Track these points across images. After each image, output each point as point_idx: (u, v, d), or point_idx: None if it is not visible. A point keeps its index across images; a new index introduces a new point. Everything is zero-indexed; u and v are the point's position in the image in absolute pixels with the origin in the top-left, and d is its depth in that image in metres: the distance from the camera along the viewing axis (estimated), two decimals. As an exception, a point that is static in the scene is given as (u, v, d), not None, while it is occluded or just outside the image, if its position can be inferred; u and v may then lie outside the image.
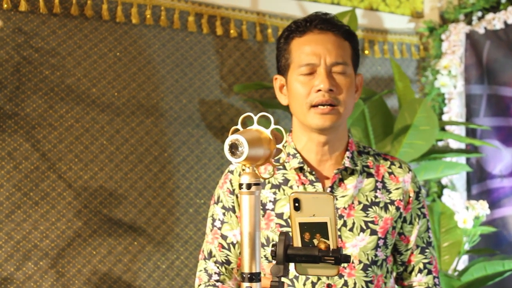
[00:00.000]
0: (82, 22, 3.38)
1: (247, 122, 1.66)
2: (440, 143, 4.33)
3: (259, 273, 1.65)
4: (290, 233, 1.69)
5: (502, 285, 3.93)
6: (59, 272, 3.22)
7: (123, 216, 3.40)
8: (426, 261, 2.31)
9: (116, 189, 3.39)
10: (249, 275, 1.64)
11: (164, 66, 3.59)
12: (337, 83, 2.16)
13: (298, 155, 2.23)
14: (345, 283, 2.17)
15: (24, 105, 3.20)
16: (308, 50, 2.18)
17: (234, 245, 2.24)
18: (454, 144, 4.29)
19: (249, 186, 1.64)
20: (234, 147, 1.61)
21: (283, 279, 2.02)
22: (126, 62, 3.49)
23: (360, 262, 2.19)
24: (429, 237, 2.32)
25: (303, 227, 1.66)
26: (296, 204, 1.65)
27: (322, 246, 1.66)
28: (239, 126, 1.71)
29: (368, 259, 2.19)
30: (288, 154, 2.25)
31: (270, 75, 3.94)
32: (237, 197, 2.26)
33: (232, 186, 2.26)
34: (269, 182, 2.25)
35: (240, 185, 1.65)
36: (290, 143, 2.26)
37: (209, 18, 3.74)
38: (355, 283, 2.18)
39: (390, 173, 2.27)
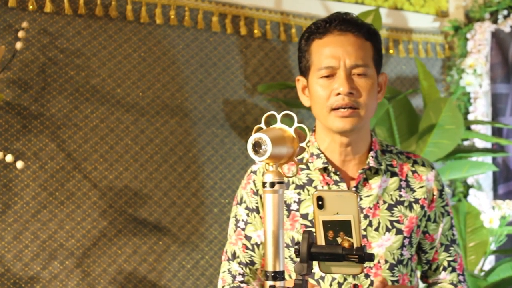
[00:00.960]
0: (107, 23, 3.40)
1: (270, 121, 1.66)
2: (466, 143, 4.30)
3: (283, 271, 1.65)
4: (314, 232, 1.69)
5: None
6: (84, 272, 3.24)
7: (148, 216, 3.41)
8: (450, 258, 2.29)
9: (141, 189, 3.41)
10: (272, 274, 1.64)
11: (188, 66, 3.60)
12: (357, 86, 2.14)
13: (322, 155, 2.22)
14: (371, 283, 2.16)
15: (50, 105, 3.22)
16: (327, 52, 2.15)
17: (258, 245, 2.23)
18: (480, 143, 4.26)
19: (272, 184, 1.64)
20: (257, 146, 1.61)
21: (309, 280, 2.02)
22: (151, 63, 3.50)
23: (386, 262, 2.18)
24: (453, 234, 2.31)
25: (327, 225, 1.66)
26: (320, 202, 1.65)
27: (346, 244, 1.65)
28: (262, 125, 1.71)
29: (394, 258, 2.18)
30: (312, 154, 2.24)
31: (294, 75, 3.94)
32: (261, 197, 2.26)
33: (255, 186, 2.25)
34: (293, 183, 2.25)
35: (264, 184, 1.64)
36: (313, 143, 2.25)
37: (233, 18, 3.74)
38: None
39: (414, 172, 2.25)
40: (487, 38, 4.34)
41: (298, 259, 1.67)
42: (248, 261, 2.23)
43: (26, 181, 3.15)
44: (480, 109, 4.31)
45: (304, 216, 2.19)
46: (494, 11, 4.39)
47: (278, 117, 1.71)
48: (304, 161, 1.72)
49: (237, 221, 2.27)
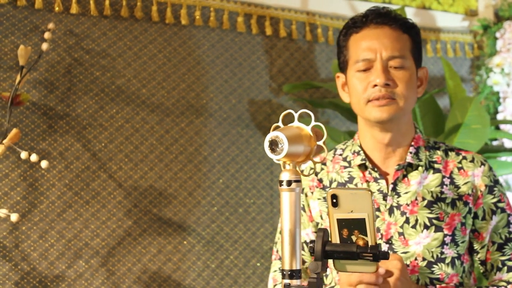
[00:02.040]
0: (132, 24, 3.42)
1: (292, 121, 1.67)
2: (494, 143, 4.26)
3: (299, 270, 1.66)
4: (329, 230, 1.69)
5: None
6: (109, 271, 3.26)
7: (173, 216, 3.43)
8: (504, 258, 2.22)
9: (165, 189, 3.43)
10: (289, 272, 1.65)
11: (213, 67, 3.61)
12: (395, 77, 2.15)
13: (361, 152, 2.23)
14: None
15: (75, 106, 3.25)
16: (364, 45, 2.18)
17: (307, 244, 2.24)
18: (509, 143, 4.22)
19: (289, 183, 1.65)
20: (274, 144, 1.63)
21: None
22: (176, 63, 3.52)
23: (424, 259, 2.16)
24: (509, 232, 2.23)
25: (341, 223, 1.66)
26: (334, 200, 1.65)
27: (360, 242, 1.65)
28: (280, 123, 1.72)
29: (433, 256, 2.15)
30: (354, 152, 2.25)
31: (320, 75, 3.93)
32: (306, 195, 2.27)
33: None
34: (335, 180, 2.26)
35: (280, 182, 1.66)
36: (356, 140, 2.27)
37: (258, 19, 3.75)
38: (418, 279, 2.16)
39: (460, 168, 2.23)
40: (516, 37, 4.30)
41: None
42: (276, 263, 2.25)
43: (52, 181, 3.18)
44: (509, 109, 4.27)
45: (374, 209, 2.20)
46: (524, 10, 4.35)
47: (296, 115, 1.72)
48: (320, 159, 1.72)
49: (276, 242, 2.32)
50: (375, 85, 2.14)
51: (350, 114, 3.65)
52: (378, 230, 2.18)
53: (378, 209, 2.19)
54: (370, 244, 1.65)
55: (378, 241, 2.17)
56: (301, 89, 3.76)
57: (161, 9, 3.48)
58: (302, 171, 1.63)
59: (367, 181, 2.21)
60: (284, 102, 3.79)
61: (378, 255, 1.65)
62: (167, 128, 3.47)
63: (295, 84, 3.71)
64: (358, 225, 1.65)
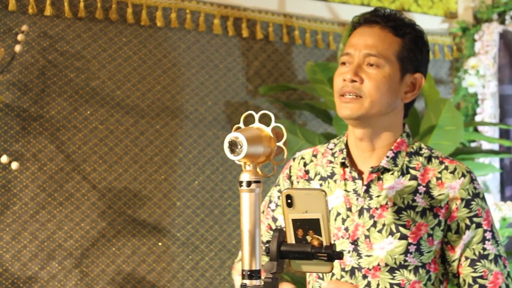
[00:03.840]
0: (107, 26, 3.43)
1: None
2: (472, 144, 4.28)
3: (259, 270, 1.66)
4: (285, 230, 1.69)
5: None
6: (83, 272, 3.27)
7: (148, 217, 3.43)
8: (476, 275, 2.15)
9: (140, 190, 3.43)
10: (248, 272, 1.66)
11: (189, 69, 3.62)
12: (365, 75, 2.14)
13: (345, 150, 2.23)
14: (368, 284, 2.14)
15: (49, 107, 3.26)
16: (350, 41, 2.19)
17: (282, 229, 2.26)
18: (487, 145, 4.24)
19: (249, 183, 1.66)
20: (233, 145, 1.63)
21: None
22: (151, 65, 3.53)
23: (386, 265, 2.13)
24: (484, 249, 2.14)
25: (296, 223, 1.67)
26: (289, 201, 1.66)
27: (315, 242, 1.66)
28: (241, 125, 1.73)
29: (395, 263, 2.12)
30: (340, 149, 2.25)
31: (297, 77, 3.94)
32: (292, 184, 2.30)
33: (290, 172, 2.31)
34: (319, 174, 2.27)
35: (240, 183, 1.66)
36: (344, 137, 2.27)
37: (235, 21, 3.76)
38: (378, 285, 2.15)
39: (438, 178, 2.17)
40: (495, 39, 4.31)
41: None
42: (267, 240, 2.25)
43: (25, 182, 3.19)
44: (488, 111, 4.28)
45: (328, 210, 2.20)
46: (502, 12, 4.37)
47: (256, 116, 1.72)
48: (280, 159, 1.73)
49: (270, 202, 2.32)
50: (345, 80, 2.15)
51: (326, 116, 3.67)
52: (347, 230, 2.18)
53: (350, 209, 2.19)
54: (324, 244, 1.65)
55: (345, 241, 2.17)
56: (278, 91, 3.77)
57: (136, 11, 3.49)
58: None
59: (346, 179, 2.21)
60: (260, 104, 3.80)
61: (332, 255, 1.66)
62: (142, 129, 3.47)
63: (272, 86, 3.73)
64: (312, 225, 1.66)
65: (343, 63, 2.19)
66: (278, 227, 2.26)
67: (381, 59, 2.13)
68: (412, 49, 2.19)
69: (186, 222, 3.54)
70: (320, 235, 1.65)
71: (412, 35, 2.20)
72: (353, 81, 2.12)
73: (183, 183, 3.55)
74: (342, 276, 2.15)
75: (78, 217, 3.28)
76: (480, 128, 4.27)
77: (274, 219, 2.30)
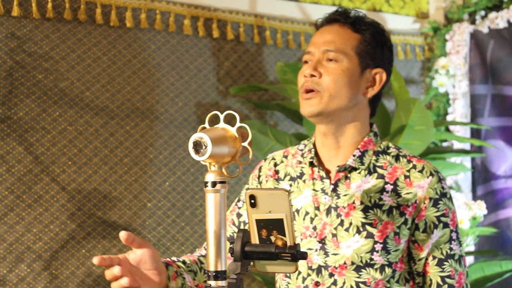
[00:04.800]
0: (76, 27, 3.41)
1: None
2: (444, 144, 4.30)
3: (225, 271, 1.66)
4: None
5: (502, 287, 3.89)
6: (52, 274, 3.24)
7: (118, 219, 3.42)
8: (444, 274, 2.18)
9: (110, 192, 3.41)
10: (214, 273, 1.65)
11: (159, 69, 3.61)
12: (324, 69, 2.16)
13: (313, 150, 2.24)
14: (334, 282, 2.14)
15: (17, 109, 3.23)
16: (312, 41, 2.23)
17: (244, 225, 2.27)
18: (458, 144, 4.26)
19: (214, 184, 1.66)
20: (198, 145, 1.63)
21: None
22: (121, 66, 3.51)
23: (352, 263, 2.14)
24: (450, 249, 2.18)
25: (260, 224, 1.66)
26: (252, 201, 1.65)
27: (279, 242, 1.65)
28: (206, 125, 1.73)
29: (361, 261, 2.14)
30: (309, 149, 2.26)
31: (269, 77, 3.94)
32: (260, 183, 2.32)
33: (260, 172, 2.34)
34: (288, 174, 2.28)
35: (205, 183, 1.66)
36: (313, 138, 2.28)
37: (205, 21, 3.75)
38: (344, 283, 2.16)
39: (407, 177, 2.18)
40: (465, 39, 4.33)
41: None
42: (229, 236, 2.26)
43: (-7, 184, 3.17)
44: (459, 111, 4.30)
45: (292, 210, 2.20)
46: (472, 12, 4.39)
47: (221, 116, 1.73)
48: (247, 161, 1.72)
49: (238, 200, 2.34)
50: (305, 76, 2.17)
51: (296, 117, 3.67)
52: (315, 228, 2.19)
53: (318, 208, 2.20)
54: (288, 244, 1.65)
55: (313, 240, 2.18)
56: (248, 91, 3.77)
57: (106, 11, 3.47)
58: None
59: (314, 179, 2.22)
60: (232, 105, 3.80)
61: (296, 255, 1.65)
62: (112, 131, 3.46)
63: (242, 87, 3.72)
64: (276, 225, 1.65)
65: (306, 62, 2.22)
66: (241, 222, 2.27)
67: (339, 54, 2.16)
68: (371, 44, 2.21)
69: (157, 224, 3.53)
70: (284, 235, 1.65)
71: (371, 31, 2.22)
72: (312, 75, 2.15)
73: (154, 184, 3.54)
74: (308, 274, 2.16)
75: (47, 219, 3.26)
76: (451, 127, 4.29)
77: (238, 215, 2.31)
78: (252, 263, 1.71)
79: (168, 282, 1.96)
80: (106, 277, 1.80)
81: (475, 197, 4.24)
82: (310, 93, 2.15)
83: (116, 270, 1.79)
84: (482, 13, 4.33)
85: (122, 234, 1.86)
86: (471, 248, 4.01)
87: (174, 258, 2.07)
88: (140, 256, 1.88)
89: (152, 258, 1.89)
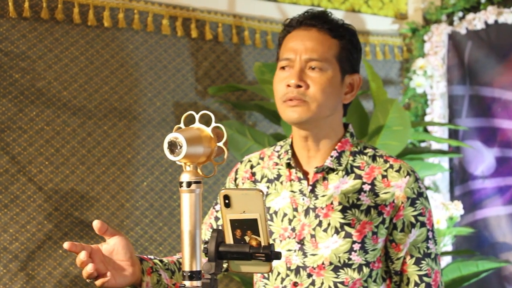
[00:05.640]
0: (53, 26, 3.39)
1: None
2: (422, 144, 4.32)
3: (200, 271, 1.66)
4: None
5: (479, 286, 3.91)
6: (29, 275, 3.23)
7: (95, 219, 3.38)
8: (421, 273, 2.19)
9: (88, 192, 3.40)
10: (189, 273, 1.65)
11: (137, 69, 3.60)
12: (309, 79, 2.15)
13: (290, 151, 2.24)
14: (312, 283, 2.15)
15: (-6, 108, 3.22)
16: (288, 45, 2.19)
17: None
18: (436, 145, 4.28)
19: (189, 184, 1.66)
20: (173, 145, 1.63)
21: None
22: (98, 65, 3.50)
23: (330, 263, 2.15)
24: (427, 248, 2.20)
25: (234, 224, 1.66)
26: (226, 201, 1.65)
27: (254, 243, 1.66)
28: (181, 125, 1.73)
29: (339, 261, 2.15)
30: (286, 150, 2.26)
31: (247, 78, 3.94)
32: (237, 186, 2.32)
33: (236, 174, 2.33)
34: (266, 176, 2.28)
35: (180, 183, 1.66)
36: (289, 139, 2.28)
37: (183, 21, 3.75)
38: (322, 283, 2.16)
39: (384, 176, 2.19)
40: (443, 40, 4.35)
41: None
42: (207, 240, 2.25)
43: (-31, 184, 3.15)
44: (437, 111, 4.32)
45: (266, 210, 2.20)
46: (450, 13, 4.41)
47: (197, 116, 1.73)
48: (222, 161, 1.72)
49: (216, 203, 2.32)
50: (289, 85, 2.15)
51: (275, 117, 3.67)
52: (294, 229, 2.19)
53: (296, 209, 2.20)
54: (263, 244, 1.65)
55: (292, 241, 2.18)
56: (227, 91, 3.77)
57: (83, 11, 3.46)
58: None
59: (292, 180, 2.22)
60: (210, 105, 3.80)
61: (270, 255, 1.65)
62: (90, 130, 3.44)
63: (220, 87, 3.72)
64: (250, 225, 1.66)
65: (283, 68, 2.20)
66: (220, 226, 2.27)
67: (323, 63, 2.16)
68: (349, 49, 2.22)
69: (135, 224, 3.52)
70: (258, 235, 1.65)
71: (348, 35, 2.23)
72: (298, 86, 2.14)
73: (131, 184, 3.53)
74: (287, 275, 2.17)
75: (24, 220, 3.24)
76: (429, 128, 4.31)
77: (216, 219, 2.30)
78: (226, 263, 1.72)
79: (142, 276, 1.97)
80: (77, 264, 1.81)
81: (452, 198, 4.26)
82: (297, 101, 2.14)
83: (82, 255, 1.80)
84: (460, 14, 4.36)
85: (95, 223, 1.87)
86: (449, 248, 4.03)
87: (151, 256, 2.08)
88: (112, 246, 1.90)
89: (125, 248, 1.90)
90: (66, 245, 1.81)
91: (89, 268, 1.80)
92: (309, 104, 2.14)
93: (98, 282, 1.83)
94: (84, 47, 3.46)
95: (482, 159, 4.22)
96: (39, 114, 3.32)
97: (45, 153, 3.33)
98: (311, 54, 2.16)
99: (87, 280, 1.84)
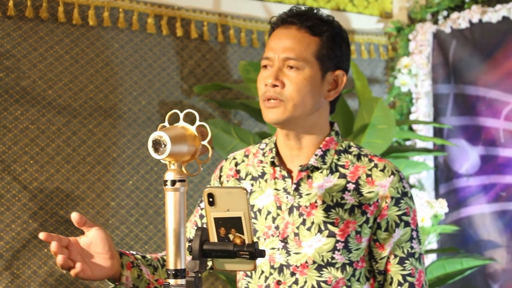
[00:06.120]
0: (38, 25, 3.39)
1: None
2: (408, 143, 4.34)
3: (184, 269, 1.66)
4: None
5: (463, 284, 3.93)
6: (14, 274, 3.22)
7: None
8: (405, 272, 2.20)
9: (73, 191, 3.40)
10: (173, 272, 1.66)
11: (122, 68, 3.60)
12: (286, 78, 2.15)
13: (274, 149, 2.24)
14: (296, 281, 2.15)
15: (-22, 107, 3.22)
16: (269, 44, 2.20)
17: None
18: (422, 143, 4.30)
19: (173, 182, 1.66)
20: (157, 144, 1.64)
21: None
22: (83, 64, 3.49)
23: (314, 262, 2.15)
24: (411, 247, 2.20)
25: (218, 222, 1.67)
26: (210, 199, 1.66)
27: (238, 241, 1.66)
28: (166, 123, 1.73)
29: (323, 260, 2.15)
30: (270, 148, 2.26)
31: (233, 76, 3.94)
32: (222, 183, 2.32)
33: (221, 172, 2.33)
34: (250, 174, 2.27)
35: (165, 182, 1.67)
36: (274, 137, 2.28)
37: (169, 20, 3.75)
38: (305, 282, 2.17)
39: (368, 176, 2.19)
40: (428, 39, 4.37)
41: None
42: (191, 238, 2.25)
43: (-47, 184, 3.14)
44: (422, 110, 4.34)
45: (250, 208, 2.19)
46: (435, 12, 4.43)
47: (181, 115, 1.73)
48: (206, 159, 1.73)
49: (201, 201, 2.32)
50: (266, 85, 2.16)
51: (260, 116, 3.66)
52: (277, 228, 2.19)
53: (280, 208, 2.20)
54: (247, 242, 1.66)
55: (275, 239, 2.18)
56: (212, 90, 3.77)
57: (68, 9, 3.45)
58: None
59: (276, 178, 2.22)
60: (195, 103, 3.80)
61: (254, 253, 1.66)
62: (75, 129, 3.44)
63: (206, 85, 3.72)
64: (234, 223, 1.66)
65: (265, 66, 2.20)
66: (204, 224, 2.27)
67: (300, 62, 2.15)
68: (330, 46, 2.20)
69: (120, 223, 3.52)
70: (242, 233, 1.66)
71: (330, 32, 2.20)
72: (274, 85, 2.14)
73: (117, 183, 3.53)
74: (270, 273, 2.17)
75: (9, 218, 3.24)
76: (414, 126, 4.33)
77: (201, 217, 2.30)
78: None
79: (122, 270, 1.98)
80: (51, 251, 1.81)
81: (437, 196, 4.28)
82: (274, 102, 2.15)
83: (52, 245, 1.82)
84: (445, 13, 4.38)
85: (74, 216, 1.90)
86: (433, 245, 4.05)
87: (133, 252, 2.08)
88: (91, 239, 1.91)
89: (104, 241, 1.92)
90: (41, 235, 1.83)
91: (58, 259, 1.82)
92: (286, 104, 2.14)
93: (72, 273, 1.85)
94: (69, 46, 3.46)
95: (467, 157, 4.25)
96: (24, 113, 3.32)
97: (30, 152, 3.32)
98: (288, 53, 2.16)
99: (63, 271, 1.85)
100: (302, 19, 2.19)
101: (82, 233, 1.91)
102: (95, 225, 1.93)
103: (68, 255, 1.85)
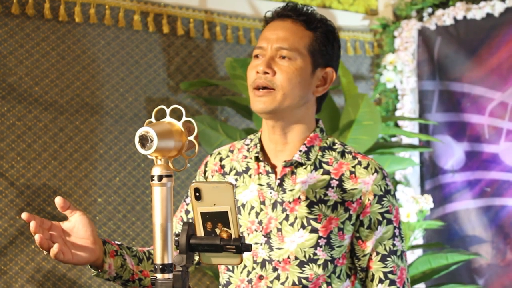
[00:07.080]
0: (24, 21, 3.39)
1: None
2: (394, 139, 4.36)
3: (171, 264, 1.67)
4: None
5: (449, 279, 3.96)
6: (1, 270, 3.22)
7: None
8: (386, 270, 2.21)
9: (60, 187, 3.40)
10: (161, 266, 1.67)
11: (109, 65, 3.60)
12: (277, 67, 2.16)
13: (258, 145, 2.25)
14: (277, 277, 2.16)
15: (-36, 104, 3.21)
16: (263, 35, 2.21)
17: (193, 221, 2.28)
18: (407, 140, 4.32)
19: (160, 177, 1.67)
20: (144, 139, 1.64)
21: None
22: (70, 61, 3.50)
23: (296, 258, 2.16)
24: (393, 245, 2.22)
25: (205, 216, 1.68)
26: (197, 194, 1.67)
27: (224, 235, 1.67)
28: (152, 119, 1.74)
29: (305, 256, 2.16)
30: (255, 144, 2.27)
31: (219, 73, 3.95)
32: (206, 178, 2.32)
33: (206, 167, 2.34)
34: (234, 169, 2.28)
35: (152, 177, 1.67)
36: (259, 133, 2.29)
37: (155, 17, 3.75)
38: (287, 277, 2.18)
39: (352, 173, 2.20)
40: (413, 35, 4.40)
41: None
42: (178, 233, 2.26)
43: None
44: (408, 106, 4.37)
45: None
46: (420, 9, 4.45)
47: (168, 111, 1.74)
48: (193, 154, 1.74)
49: (186, 196, 2.33)
50: (258, 72, 2.17)
51: (247, 112, 3.69)
52: (261, 223, 2.20)
53: (264, 203, 2.21)
54: (233, 236, 1.67)
55: (258, 234, 2.19)
56: (198, 86, 3.78)
57: (54, 6, 3.45)
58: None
59: (260, 173, 2.23)
60: (182, 100, 3.81)
61: (241, 247, 1.67)
62: (61, 126, 3.44)
63: (193, 82, 3.73)
64: (221, 218, 1.67)
65: (256, 56, 2.22)
66: (190, 219, 2.28)
67: (293, 52, 2.17)
68: (323, 43, 2.22)
69: (108, 219, 3.52)
70: (229, 228, 1.67)
71: (324, 29, 2.23)
72: (265, 73, 2.15)
73: (104, 180, 3.53)
74: (253, 268, 2.17)
75: (-4, 215, 3.24)
76: (400, 122, 4.35)
77: (187, 212, 2.31)
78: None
79: (104, 257, 1.99)
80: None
81: (423, 191, 4.31)
82: (263, 91, 2.16)
83: (31, 225, 1.87)
84: (429, 10, 4.41)
85: (58, 200, 1.94)
86: (419, 241, 4.08)
87: (119, 242, 2.10)
88: (73, 224, 1.95)
89: (86, 226, 1.95)
90: (24, 215, 1.88)
91: (36, 238, 1.85)
92: (275, 93, 2.15)
93: (51, 254, 1.87)
94: (55, 43, 3.46)
95: (452, 153, 4.27)
96: (10, 109, 3.32)
97: (17, 148, 3.32)
98: (282, 43, 2.18)
99: (44, 253, 1.88)
100: (298, 13, 2.21)
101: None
102: (78, 210, 1.96)
103: (49, 237, 1.89)
